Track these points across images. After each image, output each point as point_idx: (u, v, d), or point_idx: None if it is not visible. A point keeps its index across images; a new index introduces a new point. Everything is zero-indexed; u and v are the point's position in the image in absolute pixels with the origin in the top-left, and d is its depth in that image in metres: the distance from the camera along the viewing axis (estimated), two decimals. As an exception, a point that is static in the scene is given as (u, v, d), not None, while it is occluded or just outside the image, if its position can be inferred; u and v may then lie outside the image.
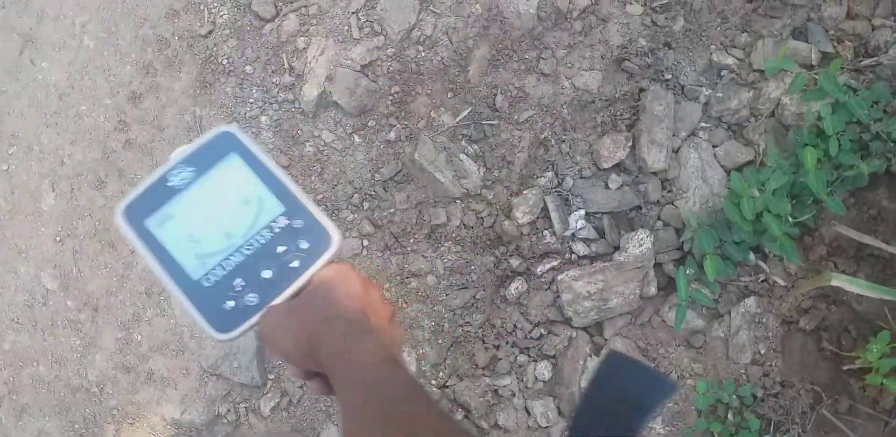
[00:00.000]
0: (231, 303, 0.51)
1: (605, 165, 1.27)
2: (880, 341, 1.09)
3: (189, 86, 1.19)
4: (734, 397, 1.22)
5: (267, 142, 1.20)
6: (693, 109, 1.34)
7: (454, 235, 1.26)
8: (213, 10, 1.19)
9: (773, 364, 1.25)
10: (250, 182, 0.53)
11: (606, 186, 1.29)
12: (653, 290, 1.27)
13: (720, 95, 1.36)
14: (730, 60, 1.37)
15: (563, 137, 1.27)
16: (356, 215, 1.22)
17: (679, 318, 1.18)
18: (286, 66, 1.20)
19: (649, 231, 1.27)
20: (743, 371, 1.27)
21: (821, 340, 1.28)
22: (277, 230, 0.53)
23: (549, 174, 1.26)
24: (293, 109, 1.18)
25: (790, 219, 1.16)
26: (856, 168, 1.20)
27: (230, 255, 0.52)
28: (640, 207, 1.32)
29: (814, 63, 1.37)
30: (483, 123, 1.24)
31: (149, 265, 0.51)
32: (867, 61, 1.36)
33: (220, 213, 0.52)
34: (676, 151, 1.32)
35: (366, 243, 1.24)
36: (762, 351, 1.27)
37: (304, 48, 1.20)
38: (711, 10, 1.34)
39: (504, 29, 1.25)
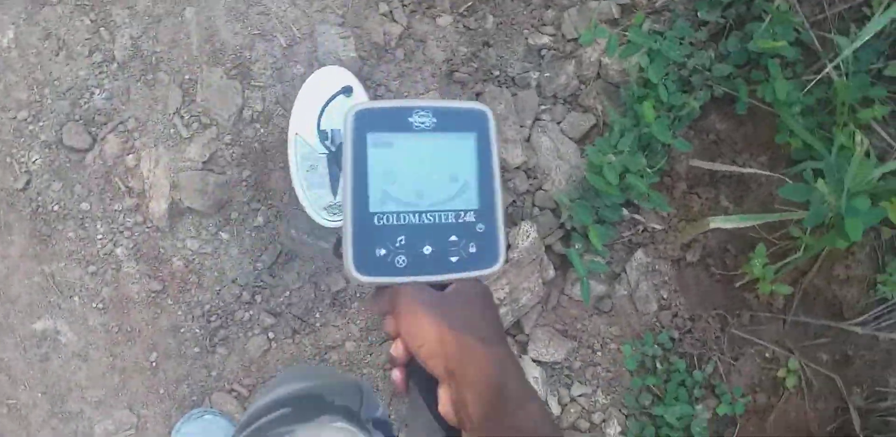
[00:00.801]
0: (383, 251, 0.51)
1: None
2: (758, 254, 1.20)
3: (26, 246, 1.07)
4: (656, 346, 1.31)
5: (132, 272, 1.10)
6: (529, 95, 1.36)
7: (358, 293, 1.23)
8: (21, 160, 1.06)
9: (678, 304, 1.34)
10: (469, 166, 0.53)
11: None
12: (551, 273, 1.31)
13: (548, 74, 1.39)
14: (545, 39, 1.40)
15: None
16: (252, 312, 1.15)
17: (585, 292, 1.24)
18: (123, 189, 1.10)
19: (530, 221, 1.31)
20: (655, 320, 1.35)
21: (708, 267, 1.38)
22: (461, 221, 0.53)
23: None
24: (147, 230, 1.09)
25: (648, 171, 1.23)
26: (687, 105, 1.28)
27: (410, 212, 0.52)
28: (514, 202, 1.35)
29: (616, 17, 1.42)
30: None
31: (343, 174, 0.51)
32: (661, 1, 1.43)
33: (427, 172, 0.52)
34: (528, 140, 1.35)
35: (271, 335, 1.18)
36: (665, 295, 1.35)
37: (136, 165, 1.10)
38: None
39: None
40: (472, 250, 0.52)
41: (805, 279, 1.29)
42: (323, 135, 1.07)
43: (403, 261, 0.51)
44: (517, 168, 1.35)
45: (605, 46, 1.31)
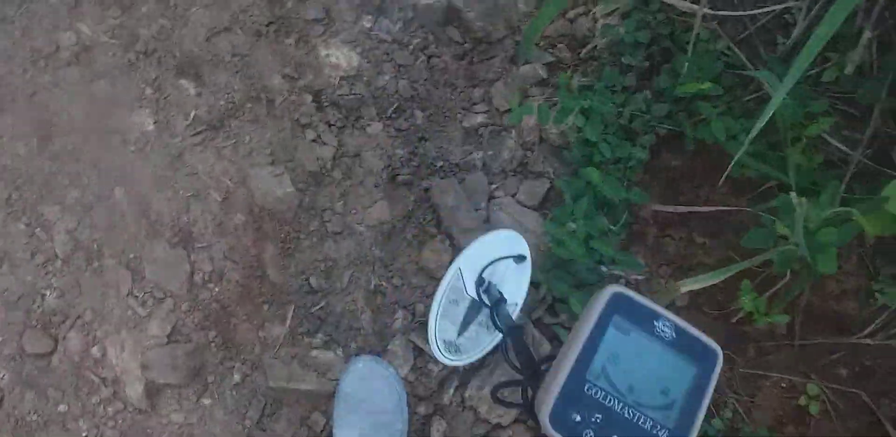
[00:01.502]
0: (578, 418, 0.54)
1: (440, 274, 1.23)
2: (745, 290, 1.12)
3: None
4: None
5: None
6: (477, 177, 1.33)
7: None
8: (-9, 383, 1.06)
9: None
10: (682, 388, 0.57)
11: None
12: (547, 347, 1.24)
13: (490, 152, 1.36)
14: (479, 118, 1.37)
15: (390, 274, 1.23)
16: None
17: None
18: (97, 381, 1.08)
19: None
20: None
21: (700, 307, 1.30)
22: (653, 432, 0.55)
23: (400, 314, 1.22)
24: (129, 415, 1.07)
25: (612, 229, 1.17)
26: (633, 156, 1.24)
27: (617, 398, 0.55)
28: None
29: (545, 77, 1.39)
30: (312, 310, 1.18)
31: (574, 339, 0.56)
32: (585, 51, 1.39)
33: (647, 375, 0.56)
34: (487, 221, 1.31)
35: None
36: None
37: (103, 355, 1.09)
38: (438, 86, 1.34)
39: (275, 219, 1.19)
40: None
41: (800, 302, 1.20)
42: (480, 282, 1.13)
43: (590, 436, 0.54)
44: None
45: (537, 117, 1.27)
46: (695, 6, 1.16)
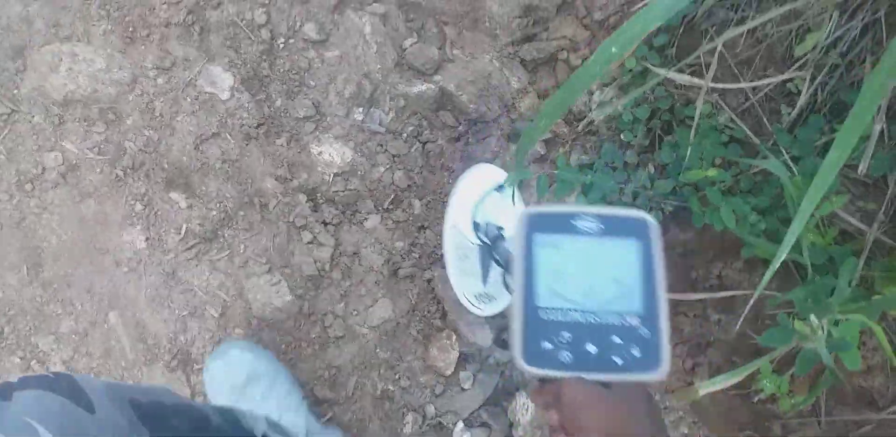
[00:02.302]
0: (548, 345, 0.53)
1: (448, 372, 1.19)
2: (764, 373, 1.05)
3: None
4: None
5: None
6: (485, 262, 1.27)
7: None
8: None
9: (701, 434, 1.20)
10: (633, 270, 0.55)
11: (462, 389, 1.20)
12: None
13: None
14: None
15: (396, 376, 1.17)
16: None
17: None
18: None
19: (524, 392, 1.20)
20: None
21: (722, 388, 1.24)
22: (624, 324, 0.54)
23: (410, 417, 1.16)
24: None
25: None
26: None
27: (576, 310, 0.54)
28: (502, 373, 1.25)
29: (542, 153, 1.34)
30: (318, 423, 1.12)
31: (514, 269, 0.54)
32: (582, 125, 1.34)
33: (593, 273, 0.55)
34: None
35: None
36: (686, 431, 1.21)
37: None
38: (434, 172, 1.29)
39: (274, 329, 1.14)
40: (636, 353, 0.53)
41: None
42: (476, 226, 1.11)
43: (569, 357, 0.53)
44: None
45: (537, 193, 1.22)
46: (696, 80, 1.11)
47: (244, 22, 1.26)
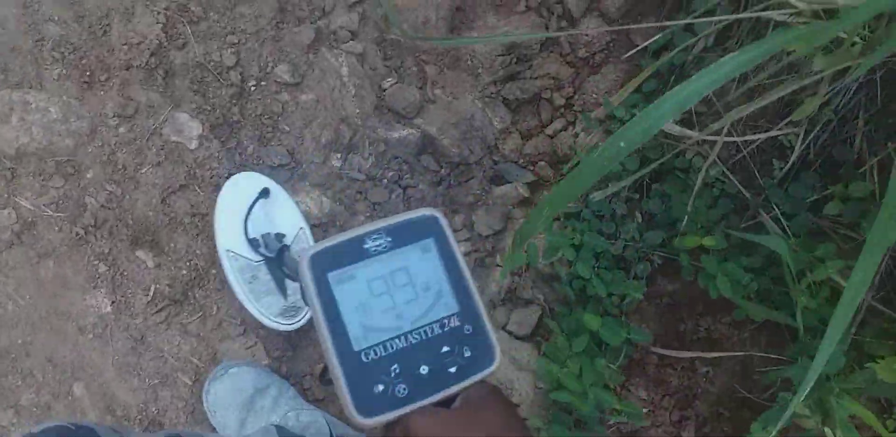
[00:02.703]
0: (381, 387, 0.49)
1: None
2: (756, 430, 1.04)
3: None
4: None
5: None
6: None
7: None
8: None
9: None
10: (437, 271, 0.53)
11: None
12: None
13: (478, 284, 1.27)
14: (462, 247, 1.28)
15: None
16: None
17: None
18: None
19: None
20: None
21: None
22: (447, 329, 0.52)
23: None
24: None
25: (612, 367, 1.10)
26: (629, 293, 1.16)
27: (395, 337, 0.50)
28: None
29: (526, 195, 1.30)
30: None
31: (315, 320, 0.49)
32: (566, 168, 1.31)
33: (399, 291, 0.52)
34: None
35: None
36: None
37: None
38: None
39: (252, 397, 1.09)
40: (467, 353, 0.51)
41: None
42: (254, 243, 1.07)
43: (404, 390, 0.49)
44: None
45: (526, 257, 1.18)
46: (687, 131, 1.08)
47: (212, 64, 1.18)
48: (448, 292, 0.52)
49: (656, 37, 1.17)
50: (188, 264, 1.14)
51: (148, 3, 1.18)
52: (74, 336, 1.09)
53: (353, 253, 0.51)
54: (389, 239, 0.52)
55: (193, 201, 1.16)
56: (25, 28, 1.16)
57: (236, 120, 1.19)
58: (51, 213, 1.13)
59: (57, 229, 1.13)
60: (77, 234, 1.12)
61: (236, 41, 1.20)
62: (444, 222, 0.54)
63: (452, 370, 0.50)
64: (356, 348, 0.49)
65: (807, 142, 1.10)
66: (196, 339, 1.12)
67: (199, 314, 1.13)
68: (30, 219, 1.12)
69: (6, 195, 1.12)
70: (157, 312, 1.11)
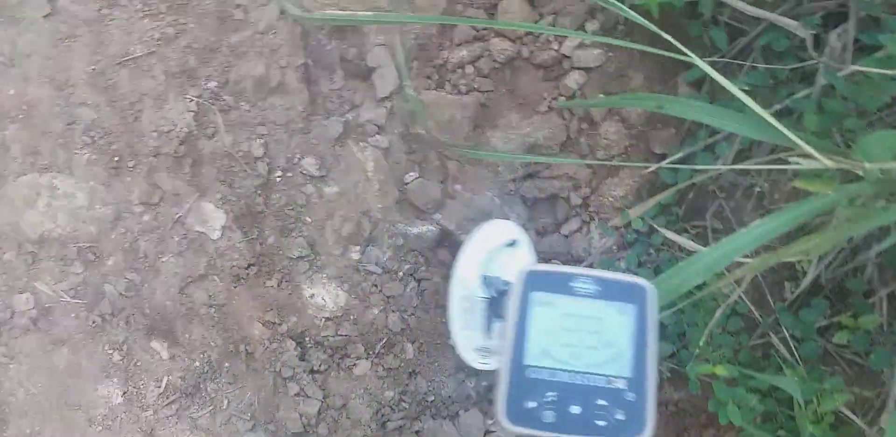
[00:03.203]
0: (533, 404, 0.54)
1: None
2: None
3: None
4: None
5: None
6: (472, 415, 1.27)
7: None
8: None
9: None
10: (626, 335, 0.56)
11: None
12: None
13: (485, 383, 1.29)
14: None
15: None
16: None
17: None
18: None
19: None
20: None
21: None
22: (611, 387, 0.54)
23: None
24: None
25: None
26: None
27: (564, 370, 0.55)
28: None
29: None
30: None
31: (507, 323, 0.55)
32: (579, 261, 1.33)
33: (585, 335, 0.56)
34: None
35: None
36: None
37: None
38: (428, 311, 1.27)
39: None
40: (620, 417, 0.54)
41: None
42: (486, 280, 1.13)
43: (552, 416, 0.53)
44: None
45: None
46: (701, 248, 1.11)
47: (240, 154, 1.20)
48: (627, 357, 0.56)
49: (677, 155, 1.21)
50: (202, 355, 1.15)
51: (180, 89, 1.21)
52: (83, 427, 1.09)
53: (561, 285, 0.57)
54: (597, 288, 0.57)
55: (211, 292, 1.18)
56: (58, 111, 1.18)
57: (260, 210, 1.21)
58: (68, 299, 1.14)
59: (74, 315, 1.13)
60: (94, 322, 1.13)
61: (265, 132, 1.22)
62: (652, 295, 0.58)
63: (600, 423, 0.54)
64: (526, 362, 0.55)
65: (819, 269, 1.14)
66: (205, 433, 1.12)
67: (210, 408, 1.14)
68: (47, 305, 1.13)
69: (25, 279, 1.13)
70: (167, 404, 1.12)
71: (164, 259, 1.17)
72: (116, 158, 1.18)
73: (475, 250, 1.18)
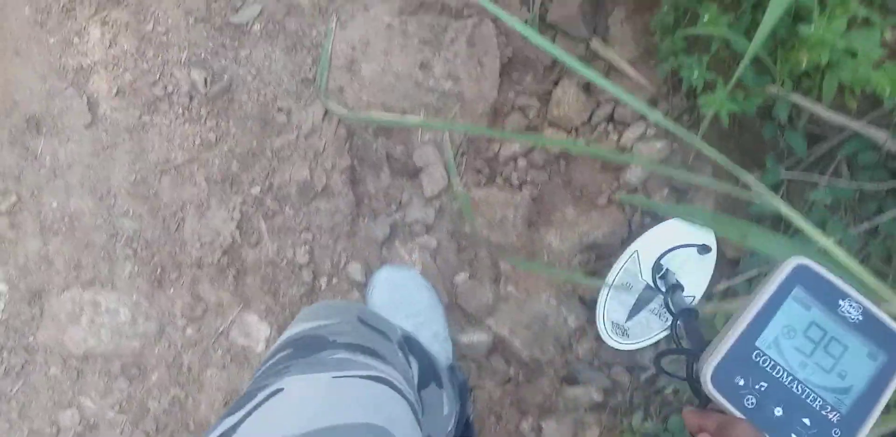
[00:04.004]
0: (741, 382, 0.53)
1: None
2: None
3: None
4: None
5: None
6: None
7: None
8: None
9: None
10: (862, 376, 0.55)
11: None
12: None
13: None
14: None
15: None
16: None
17: None
18: None
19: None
20: None
21: None
22: (820, 413, 0.54)
23: None
24: None
25: None
26: None
27: (786, 371, 0.54)
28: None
29: (599, 400, 1.27)
30: None
31: (750, 305, 0.55)
32: (644, 377, 1.27)
33: (823, 354, 0.55)
34: None
35: None
36: None
37: None
38: (484, 419, 1.21)
39: None
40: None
41: None
42: (657, 267, 1.11)
43: (752, 403, 0.53)
44: None
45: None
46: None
47: (284, 261, 1.18)
48: (851, 396, 0.54)
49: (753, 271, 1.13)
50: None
51: (223, 196, 1.19)
52: None
53: (828, 296, 0.55)
54: (860, 318, 0.55)
55: (256, 407, 1.15)
56: (100, 222, 1.18)
57: (304, 320, 1.18)
58: (114, 415, 1.13)
59: (119, 431, 1.13)
60: (138, 440, 1.12)
61: (311, 238, 1.20)
62: None
63: (792, 435, 0.53)
64: (758, 344, 0.54)
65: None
66: None
67: None
68: (92, 420, 1.13)
69: (71, 394, 1.14)
70: None
71: (207, 373, 1.15)
72: (159, 270, 1.17)
73: (666, 235, 1.13)
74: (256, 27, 1.24)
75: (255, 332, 1.17)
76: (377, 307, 1.13)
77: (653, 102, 1.25)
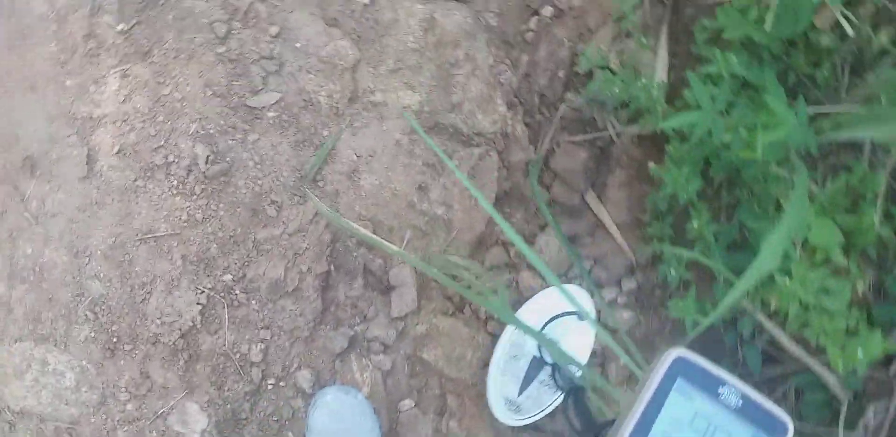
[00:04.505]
0: None
1: None
2: None
3: None
4: None
5: None
6: None
7: None
8: None
9: None
10: None
11: None
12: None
13: None
14: None
15: None
16: None
17: None
18: None
19: None
20: None
21: None
22: None
23: None
24: None
25: None
26: None
27: None
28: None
29: None
30: None
31: (634, 404, 0.57)
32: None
33: None
34: None
35: None
36: None
37: None
38: None
39: None
40: None
41: None
42: (541, 340, 1.15)
43: None
44: None
45: None
46: None
47: (238, 356, 1.19)
48: None
49: None
50: None
51: (195, 278, 1.20)
52: None
53: (708, 385, 0.57)
54: (740, 403, 0.57)
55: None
56: (69, 279, 1.19)
57: (244, 417, 1.21)
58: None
59: (35, 492, 1.17)
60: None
61: (269, 336, 1.21)
62: (790, 435, 0.58)
63: None
64: None
65: None
66: None
67: None
68: (13, 477, 1.17)
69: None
70: None
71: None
72: (115, 339, 1.18)
73: (543, 306, 1.15)
74: (271, 114, 1.22)
75: (193, 422, 1.19)
76: (316, 431, 1.15)
77: (630, 271, 1.24)
